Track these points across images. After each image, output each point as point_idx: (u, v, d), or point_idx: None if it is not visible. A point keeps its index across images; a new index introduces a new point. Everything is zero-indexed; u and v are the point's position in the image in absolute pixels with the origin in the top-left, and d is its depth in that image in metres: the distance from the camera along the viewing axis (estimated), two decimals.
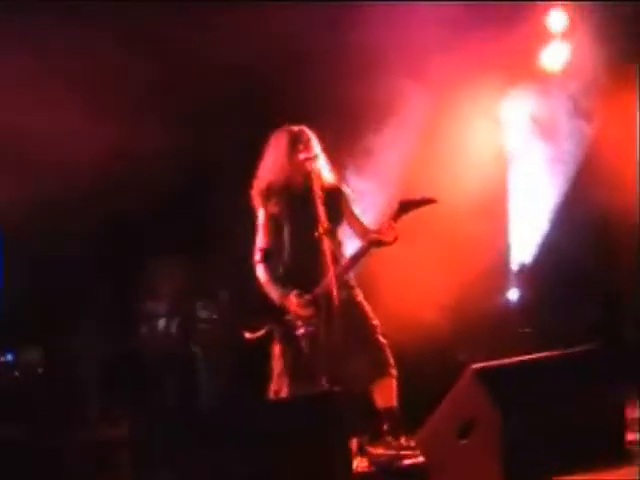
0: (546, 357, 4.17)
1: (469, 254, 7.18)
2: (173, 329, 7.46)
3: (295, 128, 5.22)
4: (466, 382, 4.01)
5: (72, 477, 6.13)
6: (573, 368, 4.09)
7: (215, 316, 7.42)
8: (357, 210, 5.28)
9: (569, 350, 4.22)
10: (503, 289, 7.95)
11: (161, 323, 7.47)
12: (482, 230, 7.31)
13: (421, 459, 4.50)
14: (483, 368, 4.00)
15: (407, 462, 4.65)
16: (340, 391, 4.33)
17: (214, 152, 6.76)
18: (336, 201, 5.18)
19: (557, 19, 7.41)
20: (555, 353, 4.21)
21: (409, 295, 6.71)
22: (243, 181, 5.43)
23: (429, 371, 6.45)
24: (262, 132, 5.41)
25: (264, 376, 5.35)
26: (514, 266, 7.95)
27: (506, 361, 4.18)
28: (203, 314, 7.43)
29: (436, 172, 6.82)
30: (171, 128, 6.39)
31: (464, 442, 4.00)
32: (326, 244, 4.89)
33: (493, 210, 7.49)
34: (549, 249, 7.77)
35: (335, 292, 4.81)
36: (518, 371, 4.07)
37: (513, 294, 7.94)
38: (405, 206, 4.98)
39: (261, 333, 5.16)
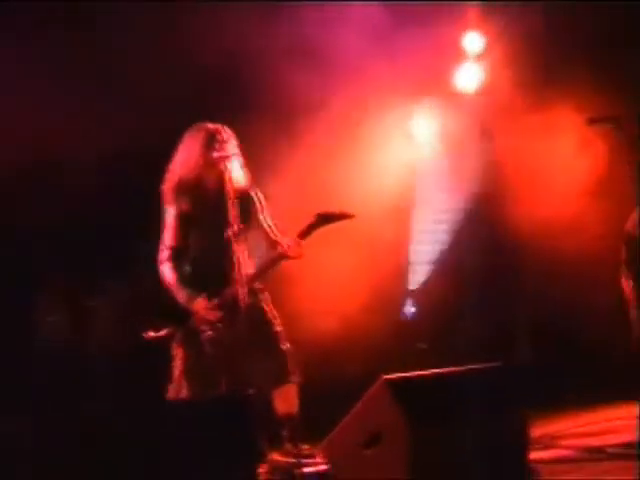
0: (455, 371, 4.20)
1: (370, 265, 7.22)
2: (67, 328, 7.28)
3: (212, 126, 5.11)
4: (375, 392, 4.00)
5: None
6: (479, 384, 4.12)
7: (111, 314, 7.27)
8: (267, 217, 5.19)
9: (477, 366, 4.25)
10: (400, 303, 8.02)
11: (56, 317, 7.29)
12: (384, 242, 7.38)
13: (323, 467, 4.47)
14: (393, 379, 3.99)
15: (308, 470, 4.59)
16: (252, 394, 4.26)
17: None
18: (248, 204, 5.10)
19: (473, 40, 7.54)
20: (463, 368, 4.24)
21: (312, 302, 6.72)
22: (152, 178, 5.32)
23: (322, 381, 6.42)
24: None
25: (160, 377, 5.25)
26: (412, 280, 8.03)
27: (416, 373, 4.19)
28: (99, 312, 7.26)
29: (344, 182, 6.85)
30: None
31: (370, 452, 3.98)
32: (236, 246, 4.82)
33: (396, 224, 7.56)
34: (448, 265, 7.88)
35: (241, 298, 4.73)
36: (428, 384, 4.08)
37: (410, 309, 8.02)
38: (322, 219, 4.93)
39: (163, 333, 5.06)
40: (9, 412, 5.69)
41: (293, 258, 4.95)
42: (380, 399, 3.97)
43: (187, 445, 3.86)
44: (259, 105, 6.57)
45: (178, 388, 5.05)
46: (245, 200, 5.07)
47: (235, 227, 4.82)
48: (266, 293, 5.15)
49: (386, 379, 3.99)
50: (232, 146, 5.09)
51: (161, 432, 3.91)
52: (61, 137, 5.96)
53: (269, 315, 5.09)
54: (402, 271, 7.97)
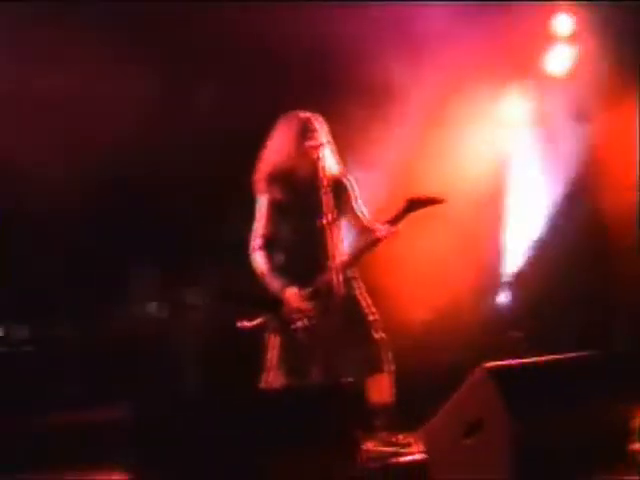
0: (558, 359, 4.10)
1: (463, 253, 7.14)
2: (163, 314, 7.38)
3: (304, 114, 5.11)
4: (476, 380, 3.93)
5: (50, 457, 6.03)
6: (585, 372, 4.02)
7: (202, 302, 7.35)
8: (359, 204, 5.17)
9: (580, 353, 4.15)
10: (494, 291, 7.90)
11: (150, 306, 7.39)
12: (477, 230, 7.28)
13: (420, 456, 4.42)
14: (494, 367, 3.91)
15: (404, 459, 4.54)
16: (346, 383, 4.23)
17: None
18: (340, 192, 5.08)
19: (563, 22, 7.37)
20: (566, 356, 4.14)
21: (404, 291, 6.66)
22: (241, 165, 5.34)
23: (416, 370, 6.37)
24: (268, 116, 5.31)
25: (253, 366, 5.26)
26: (507, 268, 7.90)
27: (518, 361, 4.10)
28: (191, 300, 7.35)
29: (434, 168, 6.77)
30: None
31: (470, 442, 3.92)
32: (330, 234, 4.79)
33: (489, 210, 7.45)
34: (543, 252, 7.72)
35: (336, 286, 4.71)
36: (530, 372, 3.99)
37: (504, 297, 7.89)
38: (413, 204, 4.88)
39: (257, 322, 5.07)
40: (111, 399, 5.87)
41: (387, 238, 4.90)
42: (481, 387, 3.89)
43: (280, 434, 3.85)
44: (351, 91, 6.55)
45: (271, 377, 5.06)
46: (337, 188, 5.04)
47: (329, 215, 4.80)
48: (360, 282, 5.11)
49: (487, 367, 3.92)
50: (324, 134, 5.08)
51: (254, 421, 3.90)
52: (157, 124, 6.06)
53: (363, 304, 5.05)
54: (496, 258, 7.85)
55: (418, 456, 4.49)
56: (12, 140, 6.00)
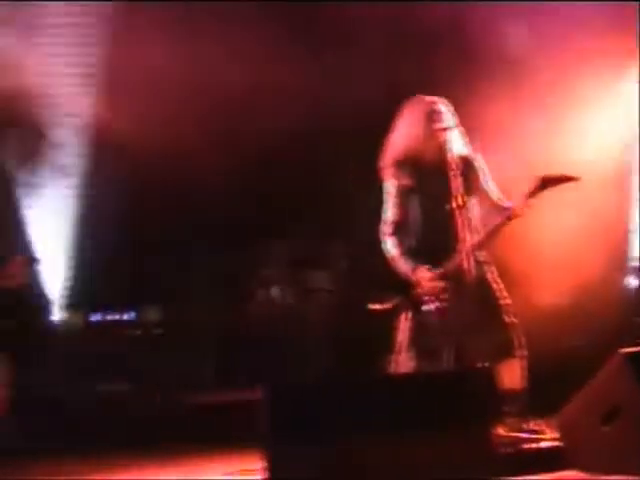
0: None
1: (592, 236, 6.99)
2: (287, 297, 7.47)
3: (430, 98, 5.09)
4: (614, 366, 3.85)
5: (183, 437, 6.21)
6: None
7: (330, 286, 7.41)
8: (490, 184, 5.13)
9: None
10: (622, 275, 7.72)
11: (275, 291, 7.49)
12: (605, 212, 7.11)
13: (553, 443, 4.36)
14: (632, 353, 3.83)
15: (538, 445, 4.48)
16: (482, 368, 4.20)
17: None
18: (469, 173, 5.04)
19: None
20: None
21: (534, 275, 6.58)
22: (367, 149, 5.35)
23: (546, 355, 6.28)
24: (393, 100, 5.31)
25: (383, 349, 5.28)
26: (635, 252, 7.70)
27: None
28: (318, 284, 7.41)
29: (563, 148, 6.67)
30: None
31: (608, 429, 3.84)
32: (459, 217, 4.76)
33: (617, 192, 7.28)
34: None
35: (467, 269, 4.68)
36: None
37: (632, 281, 7.69)
38: (546, 182, 4.80)
39: (388, 305, 5.08)
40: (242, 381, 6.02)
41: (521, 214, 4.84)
42: (618, 373, 3.81)
43: (410, 418, 3.84)
44: (482, 69, 6.50)
45: (401, 359, 5.07)
46: (466, 170, 5.00)
47: (458, 198, 4.76)
48: (492, 266, 5.07)
49: (624, 353, 3.83)
50: (450, 117, 5.05)
51: (384, 404, 3.90)
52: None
53: (494, 287, 5.01)
54: (624, 241, 7.66)
55: (551, 443, 4.43)
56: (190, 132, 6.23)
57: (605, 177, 6.98)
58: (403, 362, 5.05)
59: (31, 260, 5.79)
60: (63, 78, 6.76)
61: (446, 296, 4.88)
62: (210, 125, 6.30)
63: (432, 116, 4.99)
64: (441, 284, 4.89)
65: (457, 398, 3.90)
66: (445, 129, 4.93)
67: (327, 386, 4.25)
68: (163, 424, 6.40)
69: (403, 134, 5.12)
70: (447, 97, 5.14)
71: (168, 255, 7.19)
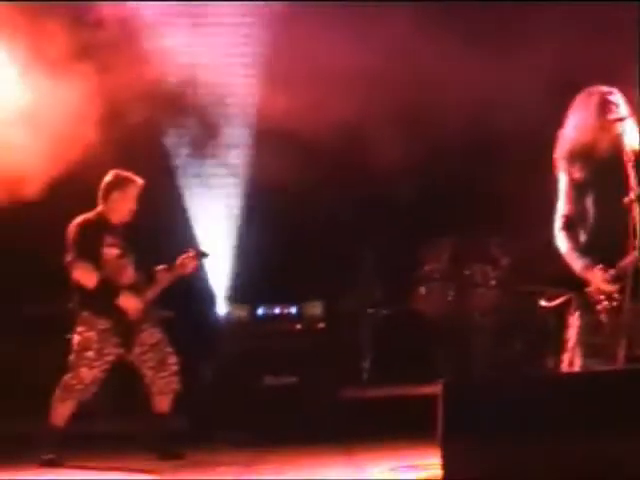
0: None
1: None
2: (450, 293, 7.43)
3: (604, 89, 4.93)
4: None
5: (339, 430, 6.28)
6: None
7: (493, 282, 7.33)
8: None
9: None
10: None
11: (438, 286, 7.47)
12: None
13: None
14: None
15: None
16: None
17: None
18: None
19: None
20: None
21: None
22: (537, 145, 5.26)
23: None
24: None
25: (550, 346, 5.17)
26: None
27: None
28: (481, 279, 7.35)
29: None
30: None
31: None
32: (635, 212, 4.59)
33: None
34: None
35: None
36: None
37: None
38: None
39: (559, 302, 4.96)
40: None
41: None
42: None
43: (581, 418, 3.74)
44: None
45: (572, 358, 4.94)
46: None
47: (634, 191, 4.60)
48: None
49: None
50: (624, 107, 4.88)
51: (553, 403, 3.82)
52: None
53: None
54: None
55: None
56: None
57: None
58: (573, 361, 4.92)
59: (201, 253, 5.96)
60: (232, 75, 6.92)
61: (618, 296, 4.71)
62: (380, 118, 6.33)
63: (605, 107, 4.84)
64: (614, 285, 4.73)
65: (630, 398, 3.77)
66: (620, 120, 4.77)
67: (502, 383, 4.20)
68: (330, 418, 6.48)
69: (575, 126, 4.98)
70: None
71: (330, 251, 7.27)
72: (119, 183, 5.81)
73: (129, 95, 6.41)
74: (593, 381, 4.13)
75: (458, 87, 6.28)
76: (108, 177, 5.84)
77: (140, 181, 5.84)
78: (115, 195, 5.80)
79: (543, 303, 5.01)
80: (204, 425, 6.61)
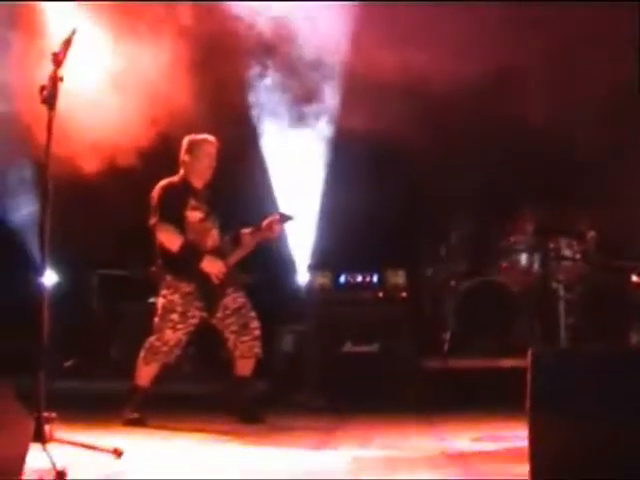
0: None
1: None
2: (535, 265, 7.34)
3: None
4: None
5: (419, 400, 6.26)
6: None
7: (579, 255, 7.22)
8: None
9: None
10: None
11: (523, 258, 7.39)
12: None
13: None
14: None
15: None
16: None
17: None
18: None
19: None
20: None
21: None
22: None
23: None
24: None
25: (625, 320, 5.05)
26: None
27: None
28: (567, 252, 7.24)
29: None
30: None
31: None
32: None
33: None
34: None
35: None
36: None
37: None
38: None
39: None
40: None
41: None
42: None
43: None
44: None
45: None
46: None
47: None
48: None
49: None
50: None
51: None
52: None
53: None
54: None
55: None
56: None
57: None
58: None
59: (286, 217, 5.94)
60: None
61: None
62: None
63: None
64: None
65: None
66: None
67: (591, 355, 4.11)
68: (410, 387, 6.47)
69: None
70: None
71: (415, 220, 7.23)
72: (194, 146, 5.82)
73: (220, 52, 6.40)
74: None
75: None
76: (184, 142, 5.86)
77: (213, 140, 5.83)
78: (191, 158, 5.81)
79: (634, 278, 4.89)
80: (284, 390, 6.63)
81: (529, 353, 3.70)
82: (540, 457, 3.60)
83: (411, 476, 3.94)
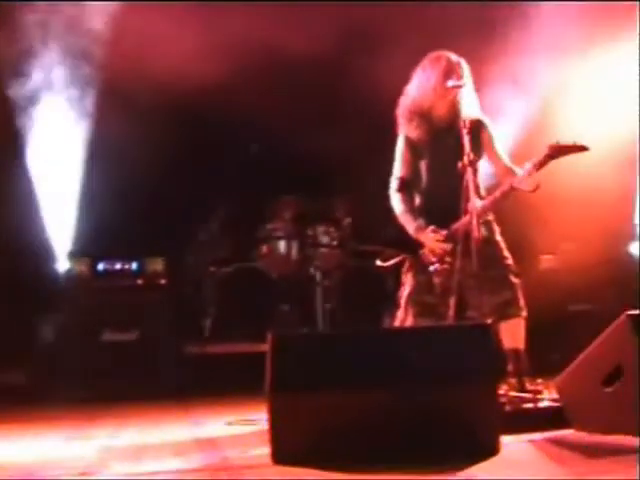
0: None
1: (595, 203, 7.00)
2: (293, 252, 7.49)
3: (450, 55, 5.03)
4: (618, 329, 3.86)
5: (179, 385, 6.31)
6: None
7: (335, 242, 7.43)
8: (499, 147, 5.10)
9: None
10: (626, 242, 7.74)
11: (281, 245, 7.51)
12: (610, 181, 7.12)
13: (554, 403, 4.39)
14: (638, 315, 3.84)
15: (541, 405, 4.50)
16: (488, 325, 4.21)
17: None
18: (480, 135, 5.02)
19: None
20: None
21: (532, 235, 6.60)
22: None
23: (546, 317, 6.31)
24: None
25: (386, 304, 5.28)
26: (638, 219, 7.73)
27: None
28: (324, 239, 7.43)
29: (570, 117, 6.65)
30: None
31: (609, 390, 3.87)
32: (468, 176, 4.72)
33: (622, 163, 7.27)
34: None
35: (474, 229, 4.64)
36: None
37: (635, 248, 7.72)
38: (555, 151, 4.73)
39: (393, 262, 5.10)
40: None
41: (529, 192, 4.80)
42: (622, 335, 3.83)
43: (410, 372, 3.86)
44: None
45: (404, 315, 5.09)
46: (477, 130, 4.98)
47: (467, 157, 4.72)
48: (496, 225, 5.08)
49: (629, 315, 3.85)
50: (467, 77, 5.01)
51: (384, 357, 3.91)
52: None
53: (500, 248, 5.02)
54: (629, 208, 7.68)
55: (550, 403, 4.45)
56: None
57: (612, 144, 6.98)
58: (405, 318, 5.07)
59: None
60: None
61: (451, 256, 4.86)
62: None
63: (449, 73, 4.93)
64: (446, 246, 4.88)
65: (457, 353, 3.91)
66: (460, 86, 4.89)
67: (330, 338, 4.28)
68: (170, 373, 6.48)
69: (418, 86, 5.08)
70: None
71: (172, 206, 7.20)
72: None
73: None
74: (422, 336, 4.22)
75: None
76: None
77: None
78: None
79: (379, 263, 5.12)
80: (44, 380, 6.46)
81: (268, 337, 3.80)
82: (279, 438, 3.72)
83: (156, 464, 3.95)
